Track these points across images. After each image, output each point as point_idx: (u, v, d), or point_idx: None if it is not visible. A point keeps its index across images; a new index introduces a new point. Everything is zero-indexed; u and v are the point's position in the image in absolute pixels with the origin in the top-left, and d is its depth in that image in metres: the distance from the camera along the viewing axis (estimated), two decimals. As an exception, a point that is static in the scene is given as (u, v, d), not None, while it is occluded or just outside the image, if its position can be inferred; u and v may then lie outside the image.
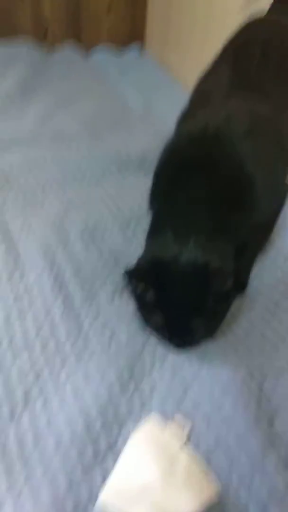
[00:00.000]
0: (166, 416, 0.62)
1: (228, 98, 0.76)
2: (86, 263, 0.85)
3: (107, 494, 0.53)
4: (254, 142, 0.70)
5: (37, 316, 0.74)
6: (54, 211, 0.96)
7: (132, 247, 0.90)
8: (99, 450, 0.58)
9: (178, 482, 0.53)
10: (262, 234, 0.84)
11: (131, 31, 1.83)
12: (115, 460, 0.57)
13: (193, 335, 0.65)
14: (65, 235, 0.90)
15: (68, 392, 0.64)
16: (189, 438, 0.59)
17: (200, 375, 0.67)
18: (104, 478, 0.56)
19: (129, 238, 0.92)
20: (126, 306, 0.78)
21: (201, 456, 0.58)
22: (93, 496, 0.54)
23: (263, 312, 0.78)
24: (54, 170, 1.09)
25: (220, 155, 0.68)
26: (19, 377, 0.66)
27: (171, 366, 0.69)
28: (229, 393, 0.64)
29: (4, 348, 0.69)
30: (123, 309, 0.77)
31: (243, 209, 0.69)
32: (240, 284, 0.84)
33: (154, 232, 0.72)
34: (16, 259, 0.84)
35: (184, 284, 0.63)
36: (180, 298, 0.63)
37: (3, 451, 0.58)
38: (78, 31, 1.76)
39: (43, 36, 1.72)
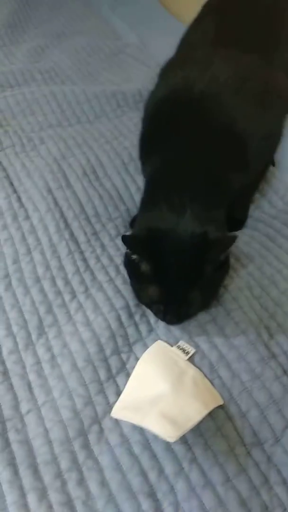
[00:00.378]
0: (171, 340, 0.66)
1: (213, 53, 0.72)
2: (88, 202, 0.86)
3: (120, 407, 0.58)
4: (242, 100, 0.68)
5: (44, 254, 0.77)
6: (53, 151, 0.96)
7: (134, 185, 0.91)
8: (112, 369, 0.63)
9: (186, 393, 0.57)
10: (257, 177, 0.85)
11: None
12: (127, 377, 0.62)
13: (190, 309, 0.64)
14: (66, 176, 0.90)
15: (79, 320, 0.68)
16: (193, 357, 0.64)
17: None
18: (117, 394, 0.61)
19: (131, 174, 0.93)
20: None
21: (205, 371, 0.62)
22: (108, 410, 0.59)
23: (264, 240, 0.81)
24: (49, 110, 1.07)
25: (208, 118, 0.67)
26: (32, 309, 0.69)
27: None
28: (230, 316, 0.68)
29: (15, 282, 0.73)
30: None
31: (237, 170, 0.69)
32: (238, 222, 0.86)
33: (149, 202, 0.69)
34: (18, 202, 0.85)
35: (182, 255, 0.61)
36: (179, 270, 0.61)
37: (23, 372, 0.62)
38: None
39: None
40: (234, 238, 0.62)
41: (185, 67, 0.72)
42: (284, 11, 0.80)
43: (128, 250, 0.64)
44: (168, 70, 0.77)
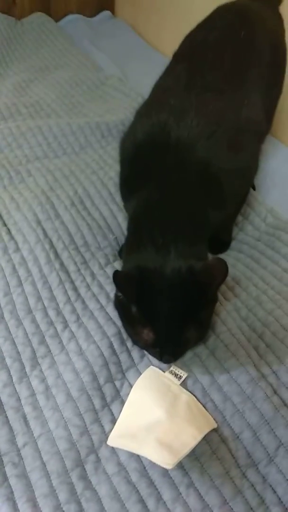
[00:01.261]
0: (164, 365, 0.67)
1: (186, 98, 0.76)
2: (77, 232, 0.88)
3: (116, 435, 0.59)
4: (216, 144, 0.71)
5: (35, 285, 0.78)
6: (41, 183, 0.98)
7: (121, 214, 0.93)
8: (106, 397, 0.64)
9: (180, 418, 0.59)
10: (238, 204, 0.89)
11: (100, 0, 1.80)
12: (121, 405, 0.63)
13: (186, 346, 0.64)
14: (54, 207, 0.92)
15: (72, 350, 0.69)
16: (185, 381, 0.65)
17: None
18: (113, 422, 0.62)
19: (117, 204, 0.95)
20: (119, 269, 0.82)
21: (197, 395, 0.64)
22: (104, 439, 0.60)
23: (249, 262, 0.83)
24: (36, 143, 1.10)
25: (185, 162, 0.70)
26: (25, 340, 0.70)
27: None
28: (219, 339, 0.70)
29: (7, 314, 0.74)
30: (116, 272, 0.82)
31: (215, 207, 0.72)
32: (224, 243, 0.90)
33: (133, 243, 0.70)
34: (8, 234, 0.86)
35: (173, 294, 0.60)
36: (171, 311, 0.60)
37: (18, 405, 0.63)
38: (46, 3, 1.72)
39: (10, 10, 1.68)
40: (224, 263, 0.62)
41: (160, 112, 0.75)
42: (249, 52, 0.85)
43: (117, 292, 0.64)
44: (144, 114, 0.80)
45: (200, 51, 0.85)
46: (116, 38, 1.67)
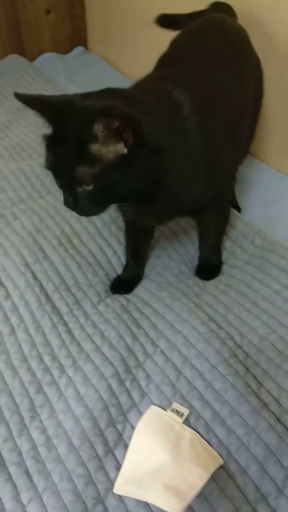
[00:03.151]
0: (164, 402, 0.67)
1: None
2: (66, 272, 0.88)
3: (122, 482, 0.58)
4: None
5: (28, 331, 0.78)
6: (27, 225, 0.98)
7: (110, 249, 0.94)
8: (109, 442, 0.63)
9: (185, 459, 0.58)
10: (217, 215, 0.87)
11: (72, 36, 1.84)
12: (125, 449, 0.62)
13: (81, 192, 0.62)
14: (42, 248, 0.93)
15: (70, 396, 0.68)
16: (188, 418, 0.64)
17: (188, 358, 0.72)
18: (117, 468, 0.61)
19: (105, 239, 0.96)
20: (112, 306, 0.82)
21: (201, 432, 0.63)
22: (109, 487, 0.59)
23: (241, 286, 0.84)
24: (19, 185, 1.10)
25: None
26: (22, 391, 0.69)
27: (161, 354, 0.73)
28: (217, 369, 0.69)
29: (2, 365, 0.73)
30: (109, 309, 0.82)
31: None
32: (215, 268, 0.90)
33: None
34: (-3, 280, 0.86)
35: (72, 124, 0.60)
36: (63, 140, 0.61)
37: (20, 460, 0.62)
38: (20, 44, 1.76)
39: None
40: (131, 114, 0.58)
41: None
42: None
43: None
44: None
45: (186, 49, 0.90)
46: (92, 72, 1.71)
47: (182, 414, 0.64)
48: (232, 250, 0.94)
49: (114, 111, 0.58)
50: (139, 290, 0.87)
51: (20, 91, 1.43)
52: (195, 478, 0.55)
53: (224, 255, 0.94)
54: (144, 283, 0.88)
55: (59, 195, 1.07)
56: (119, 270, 0.91)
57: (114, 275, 0.91)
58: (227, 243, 0.95)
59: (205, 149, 0.73)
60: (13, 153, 1.22)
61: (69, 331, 0.78)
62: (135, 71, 1.63)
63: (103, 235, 0.97)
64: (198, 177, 0.74)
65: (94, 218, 1.00)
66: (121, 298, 0.85)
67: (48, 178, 1.11)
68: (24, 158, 1.20)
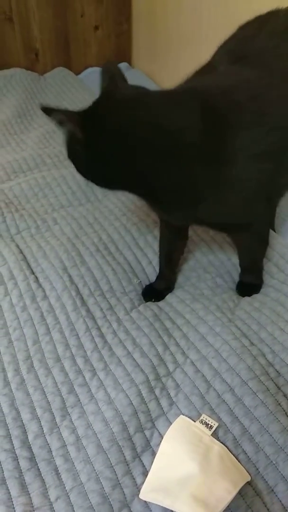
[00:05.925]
0: (193, 412, 0.67)
1: None
2: (102, 278, 0.91)
3: (148, 488, 0.58)
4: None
5: (63, 332, 0.80)
6: (66, 230, 1.02)
7: (145, 259, 0.96)
8: (136, 447, 0.64)
9: (214, 472, 0.58)
10: (252, 237, 0.85)
11: (117, 52, 1.90)
12: (152, 456, 0.63)
13: None
14: (80, 254, 0.95)
15: (101, 398, 0.70)
16: (217, 431, 0.64)
17: (219, 372, 0.72)
18: (144, 474, 0.61)
19: (141, 248, 0.98)
20: (144, 313, 0.83)
21: (229, 446, 0.63)
22: (136, 492, 0.59)
23: (274, 305, 0.84)
24: (60, 192, 1.14)
25: None
26: (54, 390, 0.71)
27: (191, 365, 0.74)
28: (248, 385, 0.69)
29: (37, 363, 0.75)
30: (141, 317, 0.83)
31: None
32: (255, 286, 0.90)
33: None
34: (36, 282, 0.89)
35: None
36: None
37: (50, 457, 0.63)
38: (67, 58, 1.83)
39: (34, 66, 1.79)
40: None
41: None
42: None
43: None
44: None
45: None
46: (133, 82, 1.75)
47: (211, 427, 0.64)
48: (268, 269, 0.94)
49: None
50: (172, 299, 0.88)
51: (65, 102, 1.49)
52: (224, 492, 0.55)
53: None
54: (178, 293, 0.89)
55: (97, 204, 1.12)
56: (153, 280, 0.93)
57: (147, 282, 0.92)
58: (268, 264, 0.95)
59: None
60: (56, 161, 1.26)
61: (102, 335, 0.80)
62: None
63: (139, 245, 0.99)
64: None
65: (131, 228, 1.02)
66: (154, 307, 0.86)
67: (88, 187, 1.15)
68: (66, 166, 1.24)
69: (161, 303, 0.88)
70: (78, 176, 1.15)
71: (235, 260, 0.95)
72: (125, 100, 0.66)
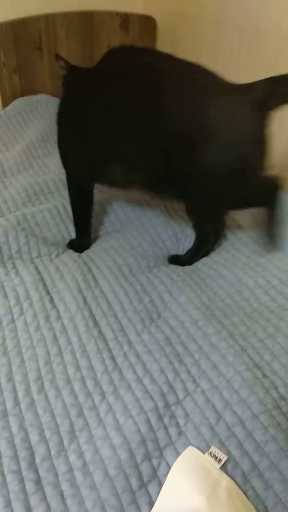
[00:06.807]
0: (202, 444, 0.66)
1: None
2: (114, 300, 0.92)
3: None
4: None
5: (74, 354, 0.80)
6: (83, 254, 1.04)
7: (157, 279, 0.97)
8: (143, 476, 0.63)
9: (221, 507, 0.57)
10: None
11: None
12: (159, 486, 0.62)
13: None
14: (94, 276, 0.97)
15: (109, 424, 0.69)
16: (225, 464, 0.63)
17: (230, 403, 0.71)
18: (150, 504, 0.60)
19: (154, 273, 0.99)
20: (156, 336, 0.84)
21: (238, 481, 0.62)
22: (140, 523, 0.58)
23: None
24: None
25: None
26: (63, 412, 0.71)
27: (202, 395, 0.73)
28: (259, 419, 0.68)
29: (47, 384, 0.75)
30: (152, 340, 0.83)
31: None
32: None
33: None
34: (51, 303, 0.90)
35: None
36: None
37: (56, 481, 0.63)
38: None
39: (59, 93, 1.85)
40: None
41: None
42: None
43: None
44: None
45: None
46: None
47: (220, 460, 0.63)
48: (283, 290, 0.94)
49: None
50: (185, 318, 0.88)
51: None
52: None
53: (276, 296, 0.93)
54: (191, 312, 0.89)
55: (115, 233, 1.14)
56: (165, 296, 0.93)
57: (159, 301, 0.93)
58: (281, 286, 0.95)
59: None
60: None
61: (113, 358, 0.80)
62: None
63: (153, 271, 1.00)
64: None
65: (148, 258, 1.04)
66: (166, 328, 0.86)
67: (107, 217, 1.18)
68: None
69: (173, 322, 0.87)
70: (97, 205, 1.20)
71: (246, 280, 0.96)
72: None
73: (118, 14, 1.74)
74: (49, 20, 1.63)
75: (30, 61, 1.69)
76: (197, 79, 0.85)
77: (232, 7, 1.35)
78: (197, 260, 1.05)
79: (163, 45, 1.86)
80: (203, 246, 1.05)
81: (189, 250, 1.06)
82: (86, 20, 1.70)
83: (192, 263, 1.04)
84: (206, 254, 1.06)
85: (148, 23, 1.79)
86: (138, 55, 0.91)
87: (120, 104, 0.89)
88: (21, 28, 1.60)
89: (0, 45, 1.60)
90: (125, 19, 1.75)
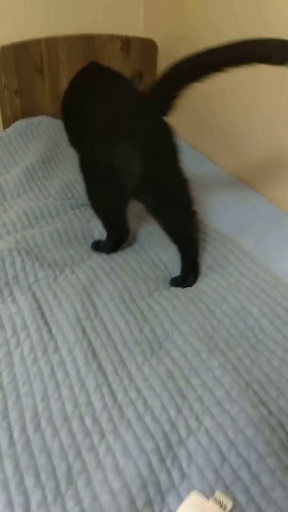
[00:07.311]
0: (206, 487, 0.63)
1: None
2: (114, 329, 0.89)
3: None
4: None
5: (72, 389, 0.77)
6: (82, 278, 1.01)
7: (158, 306, 0.94)
8: (144, 527, 0.59)
9: None
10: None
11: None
12: (160, 537, 0.58)
13: None
14: (94, 304, 0.94)
15: (108, 466, 0.66)
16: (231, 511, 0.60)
17: (235, 443, 0.68)
18: None
19: (155, 298, 0.96)
20: (157, 369, 0.81)
21: (245, 531, 0.58)
22: None
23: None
24: (80, 240, 1.15)
25: None
26: (60, 453, 0.68)
27: (206, 433, 0.70)
28: (265, 461, 0.65)
29: (44, 422, 0.72)
30: (153, 373, 0.80)
31: None
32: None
33: None
34: (49, 334, 0.88)
35: None
36: None
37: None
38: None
39: (60, 114, 1.85)
40: None
41: None
42: None
43: None
44: None
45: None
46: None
47: (225, 507, 0.60)
48: None
49: None
50: (187, 349, 0.85)
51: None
52: None
53: (281, 326, 0.90)
54: (194, 343, 0.86)
55: (114, 255, 1.12)
56: (167, 325, 0.91)
57: (160, 330, 0.90)
58: (287, 316, 0.92)
59: None
60: (77, 212, 1.27)
61: (112, 393, 0.77)
62: (215, 153, 1.69)
63: (153, 296, 0.98)
64: None
65: (148, 282, 1.01)
66: (167, 360, 0.83)
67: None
68: (87, 217, 1.25)
69: (175, 354, 0.84)
70: (95, 229, 1.18)
71: (250, 308, 0.94)
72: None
73: (119, 37, 1.75)
74: (51, 43, 1.65)
75: (31, 83, 1.69)
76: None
77: (231, 31, 1.36)
78: (195, 275, 1.05)
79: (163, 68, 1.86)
80: (187, 257, 1.07)
81: (181, 268, 1.06)
82: (88, 44, 1.71)
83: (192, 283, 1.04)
84: (195, 265, 1.07)
85: (148, 46, 1.80)
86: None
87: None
88: (22, 51, 1.61)
89: (2, 67, 1.61)
90: (126, 42, 1.76)
